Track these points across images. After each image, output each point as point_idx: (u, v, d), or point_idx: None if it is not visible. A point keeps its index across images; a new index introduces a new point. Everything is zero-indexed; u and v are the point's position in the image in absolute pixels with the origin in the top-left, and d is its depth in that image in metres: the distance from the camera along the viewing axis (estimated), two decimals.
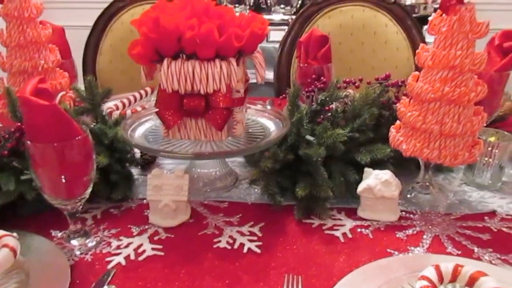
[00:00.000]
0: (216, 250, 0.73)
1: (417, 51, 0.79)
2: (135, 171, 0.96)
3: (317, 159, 0.79)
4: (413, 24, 1.55)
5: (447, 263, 0.61)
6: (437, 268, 0.60)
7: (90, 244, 0.75)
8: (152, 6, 0.82)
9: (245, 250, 0.73)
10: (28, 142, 0.66)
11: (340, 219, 0.81)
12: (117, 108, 1.24)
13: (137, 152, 0.97)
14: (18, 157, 0.80)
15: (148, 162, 0.99)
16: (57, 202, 0.71)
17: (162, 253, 0.73)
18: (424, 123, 0.76)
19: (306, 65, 1.08)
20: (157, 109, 0.83)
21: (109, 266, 0.70)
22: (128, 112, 1.19)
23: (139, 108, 1.22)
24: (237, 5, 2.69)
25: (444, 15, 0.74)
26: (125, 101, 1.29)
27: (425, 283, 0.58)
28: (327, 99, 0.87)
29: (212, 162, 0.94)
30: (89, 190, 0.72)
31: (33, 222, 0.80)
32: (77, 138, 0.67)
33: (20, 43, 0.93)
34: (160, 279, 0.67)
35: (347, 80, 0.96)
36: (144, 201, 0.87)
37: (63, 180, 0.69)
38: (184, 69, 0.78)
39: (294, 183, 0.83)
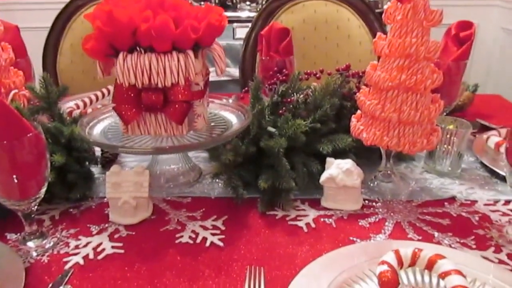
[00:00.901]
0: (178, 246, 0.72)
1: (374, 40, 0.79)
2: (95, 170, 0.93)
3: (278, 150, 0.78)
4: (375, 18, 1.57)
5: (406, 248, 0.62)
6: (397, 252, 0.61)
7: (47, 246, 0.72)
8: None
9: (207, 244, 0.72)
10: None
11: (304, 210, 0.81)
12: (78, 108, 1.21)
13: (98, 151, 0.94)
14: None
15: (109, 161, 0.96)
16: (10, 203, 0.69)
17: (122, 251, 0.71)
18: (383, 111, 0.77)
19: (267, 58, 1.08)
20: (114, 105, 0.81)
21: (67, 267, 0.67)
22: (89, 111, 1.16)
23: (100, 107, 1.19)
24: (202, 2, 2.68)
25: (399, 3, 0.75)
26: (86, 100, 1.26)
27: (385, 267, 0.58)
28: (289, 90, 0.86)
29: (175, 158, 0.92)
30: (44, 190, 0.69)
31: None
32: (28, 135, 0.64)
33: None
34: (119, 277, 0.65)
35: (309, 71, 0.96)
36: (105, 199, 0.85)
37: (15, 180, 0.66)
38: (141, 63, 0.76)
39: (257, 176, 0.82)
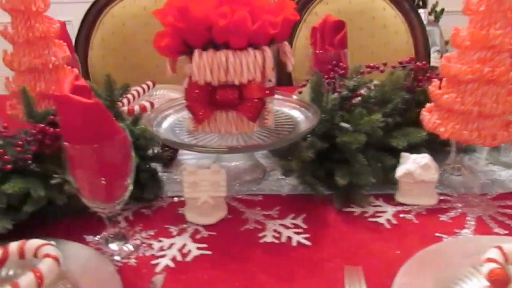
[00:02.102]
0: (264, 246, 0.71)
1: (452, 32, 0.78)
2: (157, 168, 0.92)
3: (355, 146, 0.77)
4: (410, 7, 1.55)
5: (509, 244, 0.61)
6: (500, 249, 0.60)
7: (130, 248, 0.71)
8: None
9: (294, 243, 0.71)
10: (66, 143, 0.62)
11: (380, 206, 0.80)
12: (123, 104, 1.19)
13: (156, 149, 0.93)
14: (42, 161, 0.75)
15: (170, 159, 0.95)
16: (95, 206, 0.67)
17: (209, 252, 0.70)
18: (463, 104, 0.76)
19: (322, 51, 1.06)
20: (187, 103, 0.79)
21: (157, 269, 0.66)
22: (136, 107, 1.14)
23: (146, 103, 1.17)
24: None
25: None
26: (130, 96, 1.24)
27: (493, 265, 0.57)
28: (358, 84, 0.85)
29: (239, 155, 0.91)
30: (129, 192, 0.68)
31: (61, 227, 0.76)
32: (117, 137, 0.63)
33: (29, 39, 0.87)
34: (212, 279, 0.64)
35: (371, 65, 0.95)
36: (175, 199, 0.84)
37: (103, 182, 0.65)
38: (217, 59, 0.75)
39: (328, 172, 0.81)
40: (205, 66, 0.75)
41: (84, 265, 0.66)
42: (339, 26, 1.05)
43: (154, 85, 1.36)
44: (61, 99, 0.57)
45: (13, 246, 0.64)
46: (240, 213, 0.80)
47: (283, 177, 0.90)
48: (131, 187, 0.68)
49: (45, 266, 0.60)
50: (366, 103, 0.84)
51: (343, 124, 0.81)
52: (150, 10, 1.60)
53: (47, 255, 0.62)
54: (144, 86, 1.32)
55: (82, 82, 0.61)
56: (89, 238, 0.74)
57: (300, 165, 0.78)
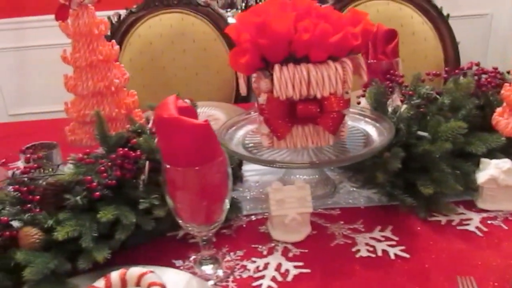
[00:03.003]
0: (361, 260, 0.70)
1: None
2: None
3: (439, 154, 0.77)
4: (438, 14, 1.56)
5: None
6: None
7: (224, 270, 0.69)
8: (248, 11, 0.77)
9: (391, 256, 0.70)
10: (168, 166, 0.60)
11: (463, 213, 0.79)
12: None
13: None
14: (122, 186, 0.73)
15: (236, 176, 0.93)
16: (192, 228, 0.66)
17: (308, 270, 0.68)
18: None
19: (375, 61, 1.06)
20: (265, 119, 0.78)
21: None
22: None
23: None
24: (229, 9, 2.64)
25: None
26: None
27: None
28: (432, 92, 0.85)
29: (308, 170, 0.90)
30: (225, 214, 0.66)
31: (148, 253, 0.74)
32: (220, 159, 0.61)
33: (92, 63, 0.86)
34: None
35: (433, 72, 0.95)
36: (252, 217, 0.82)
37: (204, 205, 0.63)
38: (299, 73, 0.74)
39: (407, 182, 0.80)
40: (287, 80, 0.74)
41: None
42: (391, 35, 1.06)
43: (191, 102, 1.34)
44: (172, 122, 0.56)
45: (115, 275, 0.62)
46: (324, 228, 0.78)
47: (354, 189, 0.89)
48: (227, 209, 0.66)
49: None
50: (441, 110, 0.84)
51: (421, 133, 0.81)
52: (176, 28, 1.61)
53: (153, 284, 0.60)
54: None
55: (184, 103, 0.59)
56: (178, 262, 0.72)
57: (385, 177, 0.77)
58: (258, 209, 0.84)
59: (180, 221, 0.65)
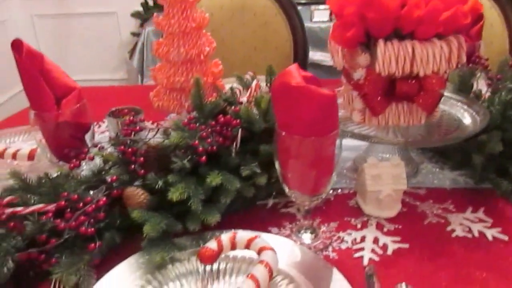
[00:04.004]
0: (458, 240, 0.70)
1: None
2: None
3: None
4: (507, 1, 1.53)
5: None
6: None
7: (321, 240, 0.70)
8: None
9: (489, 237, 0.70)
10: (284, 133, 0.61)
11: None
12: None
13: None
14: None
15: None
16: (297, 197, 0.67)
17: (406, 245, 0.69)
18: None
19: None
20: (363, 95, 0.78)
21: (365, 263, 0.66)
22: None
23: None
24: None
25: None
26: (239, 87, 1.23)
27: None
28: None
29: (389, 148, 0.90)
30: (330, 187, 0.67)
31: (245, 220, 0.75)
32: (335, 131, 0.62)
33: (185, 30, 0.86)
34: (420, 272, 0.64)
35: None
36: (339, 191, 0.83)
37: (313, 175, 0.64)
38: (403, 50, 0.73)
39: (497, 166, 0.80)
40: (391, 56, 0.73)
41: (290, 256, 0.65)
42: (478, 17, 1.04)
43: (254, 76, 1.35)
44: (300, 90, 0.56)
45: (225, 238, 0.63)
46: (414, 206, 0.79)
47: (437, 170, 0.89)
48: (333, 182, 0.67)
49: (269, 257, 0.60)
50: None
51: None
52: (237, 1, 1.60)
53: (264, 248, 0.61)
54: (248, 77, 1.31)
55: (307, 73, 0.59)
56: (274, 230, 0.73)
57: (481, 159, 0.76)
58: (342, 184, 0.85)
59: (285, 188, 0.67)
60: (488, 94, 0.90)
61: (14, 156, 0.94)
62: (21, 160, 0.93)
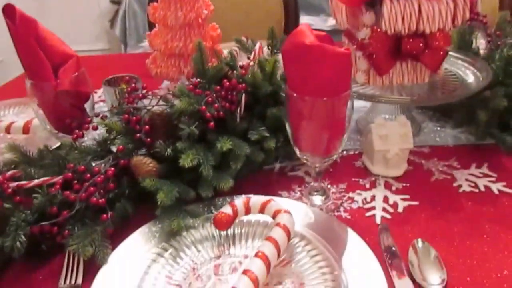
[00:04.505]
0: (465, 195, 0.72)
1: None
2: None
3: None
4: None
5: None
6: None
7: (333, 201, 0.71)
8: None
9: (495, 191, 0.72)
10: (294, 94, 0.60)
11: None
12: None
13: None
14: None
15: None
16: (308, 159, 0.67)
17: (416, 203, 0.70)
18: None
19: None
20: (369, 54, 0.77)
21: (378, 221, 0.67)
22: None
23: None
24: None
25: None
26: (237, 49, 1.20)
27: None
28: None
29: (391, 109, 0.90)
30: (341, 148, 0.67)
31: (255, 185, 0.75)
32: (348, 92, 0.61)
33: None
34: (434, 227, 0.65)
35: None
36: (344, 152, 0.83)
37: (325, 137, 0.64)
38: (410, 7, 0.72)
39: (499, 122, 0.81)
40: (397, 14, 0.72)
41: (304, 218, 0.65)
42: None
43: (247, 39, 1.32)
44: (315, 49, 0.55)
45: (239, 203, 0.63)
46: (420, 165, 0.80)
47: (438, 128, 0.89)
48: (344, 144, 0.66)
49: (286, 220, 0.60)
50: None
51: None
52: None
53: (279, 211, 0.62)
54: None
55: (318, 32, 0.58)
56: (284, 194, 0.74)
57: (485, 115, 0.77)
58: (347, 145, 0.85)
59: (297, 151, 0.66)
60: (486, 51, 0.90)
61: (8, 129, 0.91)
62: (16, 133, 0.90)
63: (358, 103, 0.83)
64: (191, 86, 0.71)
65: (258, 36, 1.55)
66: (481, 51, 0.93)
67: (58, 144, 0.82)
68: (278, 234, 0.57)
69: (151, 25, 1.44)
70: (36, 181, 0.65)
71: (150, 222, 0.66)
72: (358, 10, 0.77)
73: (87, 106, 0.79)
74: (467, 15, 0.78)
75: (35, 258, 0.63)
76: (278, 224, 0.59)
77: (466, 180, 0.75)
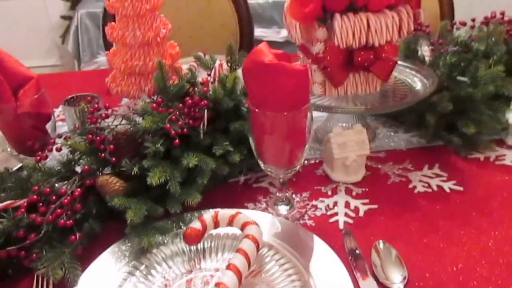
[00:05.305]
0: (420, 195, 0.76)
1: None
2: None
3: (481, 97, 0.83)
4: None
5: None
6: None
7: (297, 210, 0.74)
8: None
9: (447, 190, 0.77)
10: (256, 110, 0.63)
11: (496, 150, 0.87)
12: None
13: None
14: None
15: None
16: (272, 171, 0.69)
17: (375, 206, 0.74)
18: None
19: None
20: (323, 68, 0.81)
21: (341, 226, 0.70)
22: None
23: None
24: None
25: None
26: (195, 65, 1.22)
27: None
28: (468, 40, 0.90)
29: (347, 117, 0.94)
30: (303, 158, 0.70)
31: (220, 197, 0.77)
32: (308, 105, 0.64)
33: (141, 12, 0.84)
34: (393, 228, 0.69)
35: (460, 21, 1.00)
36: (305, 161, 0.86)
37: (288, 149, 0.66)
38: (359, 22, 0.76)
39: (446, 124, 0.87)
40: (348, 29, 0.76)
41: (271, 228, 0.68)
42: None
43: (204, 54, 1.34)
44: (274, 67, 0.58)
45: (208, 217, 0.65)
46: (377, 169, 0.84)
47: (391, 133, 0.94)
48: (306, 154, 0.69)
49: (254, 231, 0.62)
50: (475, 56, 0.90)
51: (461, 78, 0.86)
52: None
53: (247, 223, 0.64)
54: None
55: (276, 50, 0.61)
56: (251, 205, 0.76)
57: (434, 119, 0.82)
58: (309, 154, 0.88)
59: (261, 163, 0.69)
60: (431, 58, 0.96)
61: None
62: None
63: (316, 113, 0.86)
64: (154, 104, 0.72)
65: (214, 48, 1.57)
66: (427, 59, 0.99)
67: (19, 165, 0.81)
68: (247, 245, 0.59)
69: (105, 41, 1.43)
70: (0, 205, 0.64)
71: (120, 241, 0.66)
72: (311, 26, 0.81)
73: (48, 126, 0.79)
74: (412, 27, 0.84)
75: (1, 283, 0.62)
76: (246, 236, 0.61)
77: (420, 181, 0.80)
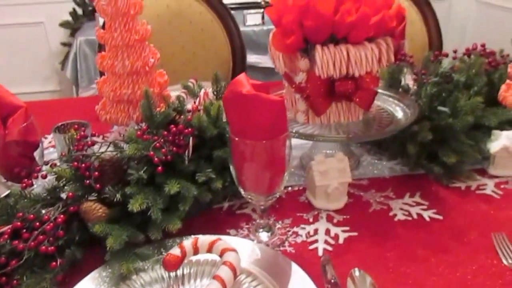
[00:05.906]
0: (400, 223, 0.77)
1: None
2: None
3: (461, 127, 0.85)
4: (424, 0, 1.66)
5: None
6: None
7: (278, 236, 0.75)
8: None
9: (426, 218, 0.78)
10: (237, 139, 0.65)
11: (478, 179, 0.88)
12: None
13: None
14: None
15: None
16: (252, 198, 0.70)
17: (355, 233, 0.75)
18: None
19: None
20: (305, 97, 0.83)
21: (320, 253, 0.71)
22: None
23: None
24: None
25: None
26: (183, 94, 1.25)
27: None
28: (449, 71, 0.93)
29: (332, 145, 0.96)
30: (283, 185, 0.71)
31: (197, 223, 0.78)
32: (286, 133, 0.66)
33: (129, 42, 0.87)
34: (372, 256, 0.70)
35: (442, 52, 1.03)
36: (289, 188, 0.88)
37: (267, 176, 0.68)
38: (339, 54, 0.79)
39: (428, 153, 0.88)
40: (328, 60, 0.79)
41: (251, 255, 0.68)
42: (400, 18, 1.12)
43: (196, 81, 1.37)
44: (251, 98, 0.60)
45: (187, 244, 0.66)
46: (359, 197, 0.85)
47: (375, 161, 0.96)
48: (286, 181, 0.71)
49: (232, 258, 0.63)
50: (456, 87, 0.92)
51: (441, 108, 0.88)
52: (173, 9, 1.61)
53: (226, 250, 0.65)
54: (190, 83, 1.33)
55: (254, 80, 0.63)
56: (233, 232, 0.77)
57: (415, 148, 0.84)
58: (292, 181, 0.90)
59: (241, 191, 0.70)
60: (414, 88, 0.98)
61: None
62: None
63: (301, 141, 0.88)
64: (139, 132, 0.74)
65: (207, 74, 1.61)
66: (411, 88, 1.01)
67: (7, 192, 0.83)
68: (224, 272, 0.60)
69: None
70: None
71: (100, 267, 0.67)
72: (294, 56, 0.83)
73: (36, 154, 0.80)
74: (392, 58, 0.86)
75: None
76: (224, 263, 0.62)
77: (401, 209, 0.81)
